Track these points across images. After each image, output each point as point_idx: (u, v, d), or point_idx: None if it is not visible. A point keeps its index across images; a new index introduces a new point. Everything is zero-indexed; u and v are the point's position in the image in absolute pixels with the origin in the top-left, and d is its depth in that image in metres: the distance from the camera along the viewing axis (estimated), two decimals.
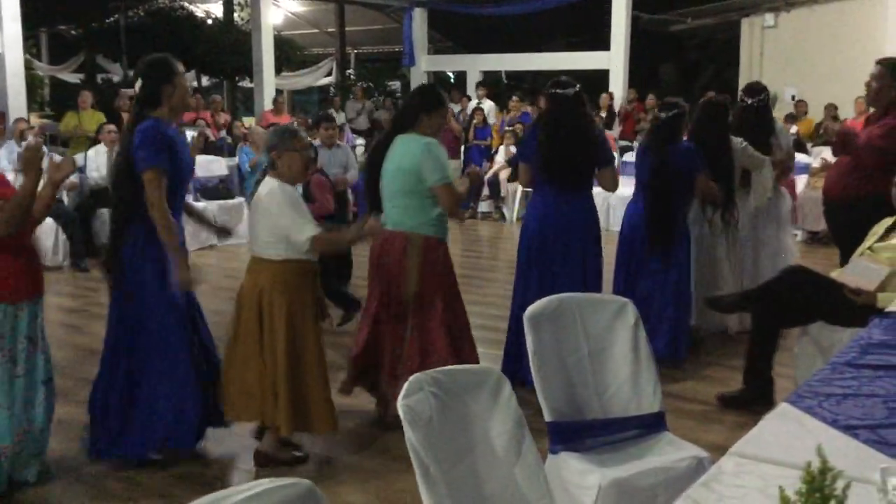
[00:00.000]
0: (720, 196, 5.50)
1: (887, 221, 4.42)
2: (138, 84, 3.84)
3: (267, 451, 3.98)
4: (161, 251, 3.79)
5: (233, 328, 3.94)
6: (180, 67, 3.94)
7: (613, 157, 5.24)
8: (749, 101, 5.99)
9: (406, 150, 4.15)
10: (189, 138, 5.96)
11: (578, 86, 4.82)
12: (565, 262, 4.86)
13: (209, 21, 18.52)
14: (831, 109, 12.03)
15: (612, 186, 5.04)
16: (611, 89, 14.23)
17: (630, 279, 5.37)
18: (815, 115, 12.60)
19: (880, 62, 5.26)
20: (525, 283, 4.96)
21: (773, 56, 15.99)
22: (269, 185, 3.86)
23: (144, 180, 3.70)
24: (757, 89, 6.03)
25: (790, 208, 6.73)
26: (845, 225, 5.03)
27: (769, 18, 15.98)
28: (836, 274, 4.44)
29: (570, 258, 4.86)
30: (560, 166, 4.83)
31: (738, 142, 5.67)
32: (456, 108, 14.44)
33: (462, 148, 12.79)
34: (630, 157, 11.88)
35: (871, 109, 5.40)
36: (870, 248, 4.38)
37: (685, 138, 5.48)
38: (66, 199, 8.84)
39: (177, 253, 3.78)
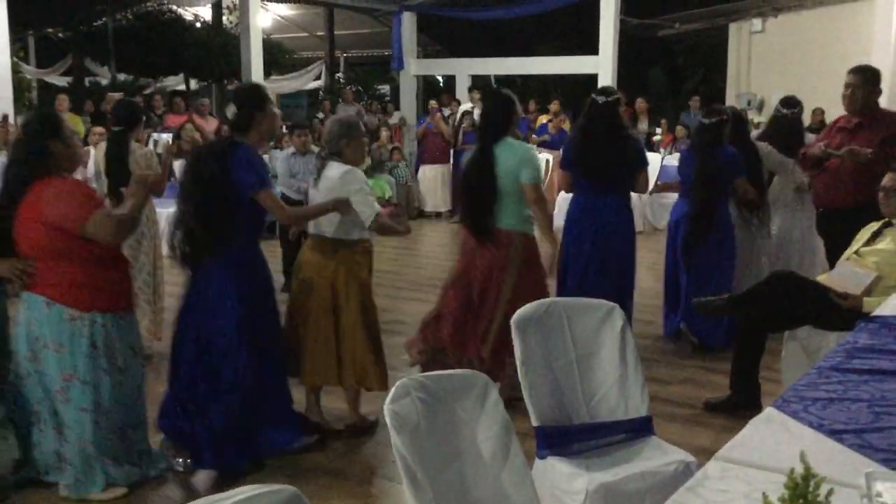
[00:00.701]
0: (756, 198, 5.92)
1: (873, 226, 4.45)
2: (232, 110, 4.06)
3: (356, 422, 4.38)
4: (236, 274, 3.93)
5: (302, 303, 4.25)
6: (271, 95, 4.10)
7: (647, 161, 5.63)
8: (784, 112, 6.42)
9: (510, 154, 4.55)
10: (162, 143, 6.00)
11: (619, 94, 5.34)
12: (601, 260, 5.26)
13: (198, 24, 18.48)
14: (818, 113, 12.10)
15: (644, 188, 5.51)
16: None
17: (679, 274, 5.88)
18: (803, 118, 12.64)
19: (854, 70, 5.32)
20: (565, 282, 5.34)
21: (760, 61, 16.06)
22: (339, 168, 4.18)
23: (262, 199, 3.86)
24: (792, 102, 6.45)
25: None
26: (841, 233, 4.92)
27: (756, 24, 16.06)
28: (822, 278, 4.46)
29: (604, 257, 5.26)
30: (596, 168, 5.17)
31: (763, 146, 6.16)
32: (445, 111, 14.43)
33: (451, 152, 12.75)
34: None
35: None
36: (856, 252, 4.41)
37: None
38: None
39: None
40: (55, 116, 3.91)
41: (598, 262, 5.25)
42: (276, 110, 4.11)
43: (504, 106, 4.68)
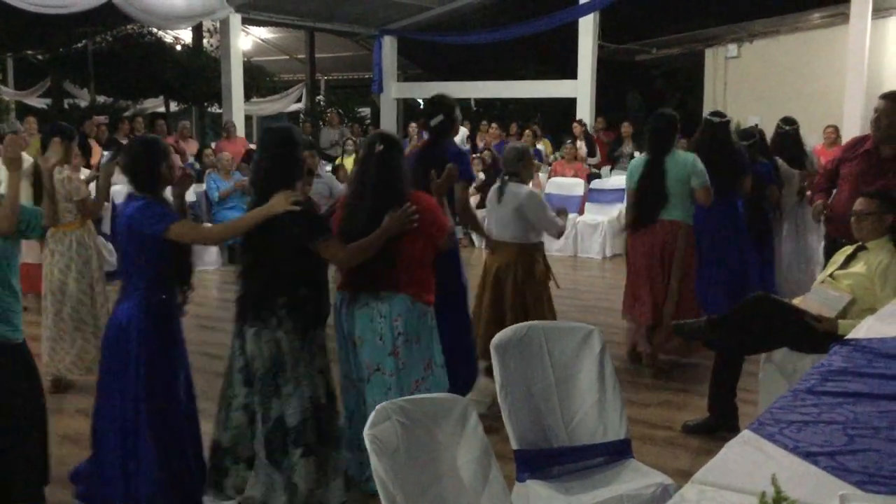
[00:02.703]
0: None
1: (847, 250, 4.51)
2: (438, 119, 4.79)
3: None
4: None
5: (481, 291, 5.23)
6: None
7: (749, 168, 6.55)
8: (787, 129, 7.61)
9: (679, 164, 5.66)
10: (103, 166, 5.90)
11: (728, 116, 6.63)
12: (713, 258, 6.34)
13: (178, 47, 18.47)
14: (832, 132, 12.24)
15: (748, 191, 6.56)
16: (578, 117, 14.38)
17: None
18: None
19: (885, 97, 5.13)
20: (698, 282, 6.06)
21: (736, 85, 16.26)
22: (521, 188, 5.14)
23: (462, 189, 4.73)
24: (791, 120, 7.64)
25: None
26: None
27: (732, 49, 16.28)
28: (798, 301, 4.52)
29: (713, 255, 6.35)
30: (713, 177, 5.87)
31: (777, 160, 7.17)
32: (426, 134, 14.48)
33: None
34: (598, 184, 11.99)
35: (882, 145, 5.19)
36: (831, 275, 4.47)
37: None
38: None
39: None
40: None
41: (712, 261, 6.36)
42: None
43: (671, 124, 5.79)
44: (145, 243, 3.49)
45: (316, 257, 3.55)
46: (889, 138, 5.07)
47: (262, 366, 3.51)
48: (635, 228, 5.83)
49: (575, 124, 13.63)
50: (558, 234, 5.42)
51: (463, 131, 14.13)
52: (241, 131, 13.37)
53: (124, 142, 11.44)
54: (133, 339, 3.49)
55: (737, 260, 6.48)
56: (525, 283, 5.08)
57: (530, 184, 5.42)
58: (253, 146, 12.11)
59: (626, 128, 13.24)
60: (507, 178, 5.18)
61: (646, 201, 5.75)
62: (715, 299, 6.11)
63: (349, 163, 12.76)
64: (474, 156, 12.45)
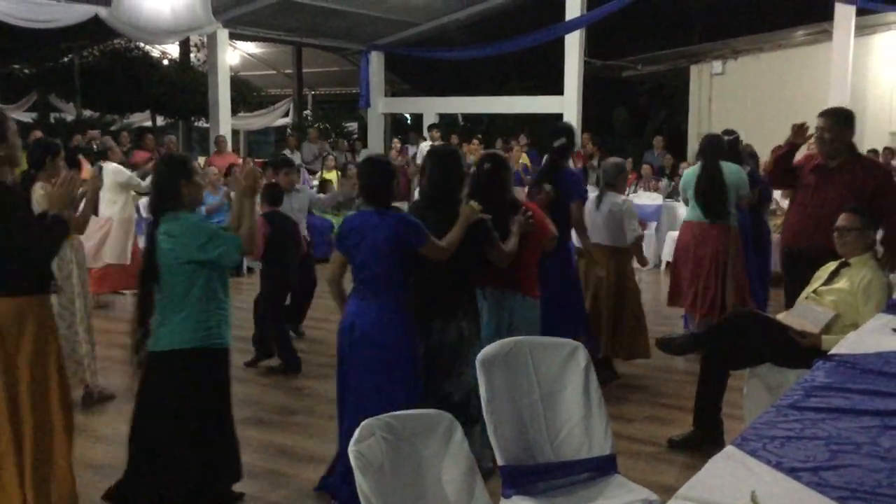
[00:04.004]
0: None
1: (831, 266, 4.54)
2: (561, 142, 5.50)
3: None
4: None
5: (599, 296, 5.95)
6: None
7: (757, 181, 7.06)
8: (728, 139, 7.36)
9: (729, 173, 6.34)
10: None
11: (736, 133, 7.26)
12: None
13: (165, 62, 18.47)
14: (773, 153, 12.35)
15: (747, 204, 6.90)
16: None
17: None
18: (762, 158, 12.91)
19: (825, 114, 5.29)
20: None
21: (721, 101, 16.40)
22: (618, 197, 6.03)
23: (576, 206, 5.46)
24: (730, 131, 7.48)
25: None
26: (803, 274, 4.88)
27: (717, 66, 16.43)
28: (782, 316, 4.53)
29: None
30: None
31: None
32: (413, 149, 14.53)
33: (417, 189, 12.80)
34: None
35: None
36: (814, 291, 4.50)
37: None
38: None
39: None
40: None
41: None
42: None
43: (720, 140, 6.60)
44: (405, 253, 3.91)
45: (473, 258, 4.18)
46: (833, 151, 5.25)
47: (447, 352, 4.09)
48: (696, 232, 6.46)
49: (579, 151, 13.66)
50: (638, 240, 6.09)
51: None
52: (227, 146, 13.36)
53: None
54: (396, 336, 3.88)
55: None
56: (618, 281, 5.96)
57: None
58: (240, 161, 12.10)
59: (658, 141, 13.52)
60: (605, 188, 6.04)
61: (709, 207, 6.36)
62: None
63: (332, 176, 12.81)
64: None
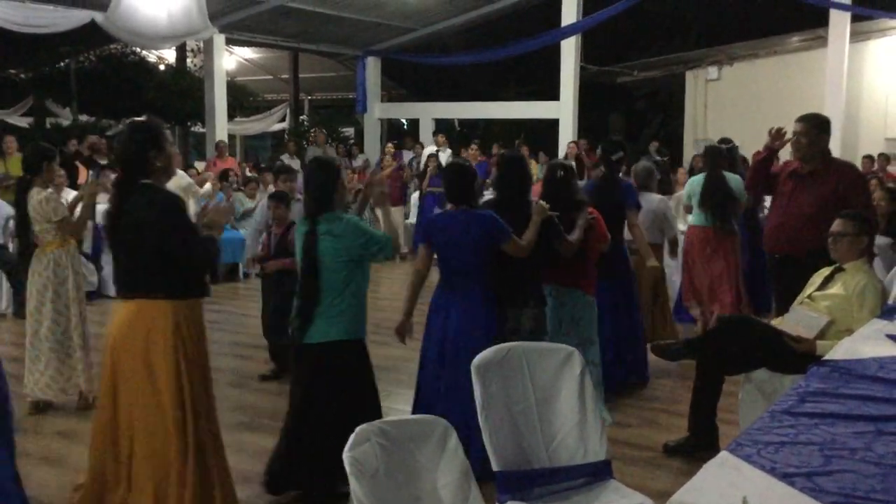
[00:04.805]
0: None
1: (825, 271, 4.55)
2: (619, 155, 5.87)
3: None
4: None
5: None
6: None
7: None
8: (722, 147, 7.74)
9: (733, 181, 6.93)
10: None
11: (734, 142, 7.86)
12: None
13: (161, 67, 18.47)
14: (753, 158, 12.40)
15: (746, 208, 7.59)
16: (561, 137, 14.48)
17: None
18: None
19: (802, 119, 5.32)
20: None
21: (716, 107, 16.45)
22: (654, 196, 6.52)
23: (632, 213, 5.78)
24: (727, 140, 7.94)
25: None
26: (795, 279, 4.89)
27: (712, 72, 16.48)
28: (777, 322, 4.54)
29: None
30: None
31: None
32: (409, 154, 14.53)
33: (417, 194, 12.76)
34: None
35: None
36: (809, 296, 4.50)
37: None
38: (10, 245, 8.67)
39: None
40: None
41: None
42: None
43: (722, 150, 7.22)
44: (490, 249, 4.33)
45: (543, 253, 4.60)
46: (809, 156, 5.29)
47: (521, 338, 4.29)
48: (702, 237, 6.95)
49: (570, 144, 13.70)
50: (674, 237, 6.73)
51: (448, 152, 14.16)
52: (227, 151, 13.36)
53: (103, 162, 11.40)
54: (482, 325, 4.29)
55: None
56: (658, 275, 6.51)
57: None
58: (236, 166, 12.11)
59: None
60: (640, 190, 6.35)
61: (716, 213, 6.87)
62: None
63: None
64: None
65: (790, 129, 5.39)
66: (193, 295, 3.57)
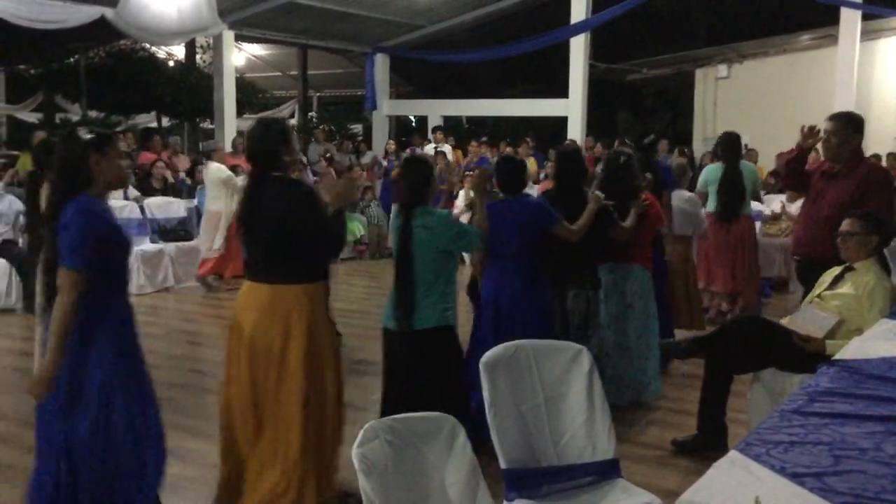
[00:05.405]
0: None
1: (835, 271, 4.54)
2: (650, 138, 6.90)
3: None
4: None
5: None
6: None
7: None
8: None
9: (748, 170, 7.71)
10: None
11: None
12: None
13: (171, 63, 18.49)
14: (783, 157, 12.34)
15: None
16: (570, 135, 14.45)
17: None
18: (767, 162, 12.91)
19: (833, 118, 5.24)
20: None
21: (726, 105, 16.40)
22: (684, 193, 6.89)
23: (666, 194, 6.42)
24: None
25: None
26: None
27: (722, 69, 16.42)
28: (786, 321, 4.53)
29: None
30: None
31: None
32: (418, 151, 14.51)
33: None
34: None
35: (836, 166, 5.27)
36: (818, 296, 4.49)
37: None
38: (20, 241, 8.71)
39: None
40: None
41: None
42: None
43: (738, 139, 7.83)
44: (541, 233, 4.69)
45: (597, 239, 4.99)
46: (838, 157, 5.20)
47: (579, 317, 4.96)
48: (722, 222, 7.56)
49: (569, 142, 13.69)
50: (704, 233, 7.23)
51: (448, 149, 14.14)
52: (228, 147, 13.34)
53: None
54: (534, 304, 4.64)
55: None
56: (686, 266, 6.91)
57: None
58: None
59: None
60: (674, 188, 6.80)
61: (732, 200, 7.50)
62: None
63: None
64: (467, 173, 12.45)
65: (801, 125, 5.35)
66: (322, 278, 3.80)
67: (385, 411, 4.21)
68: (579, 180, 5.19)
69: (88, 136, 3.33)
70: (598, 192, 4.97)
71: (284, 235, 3.62)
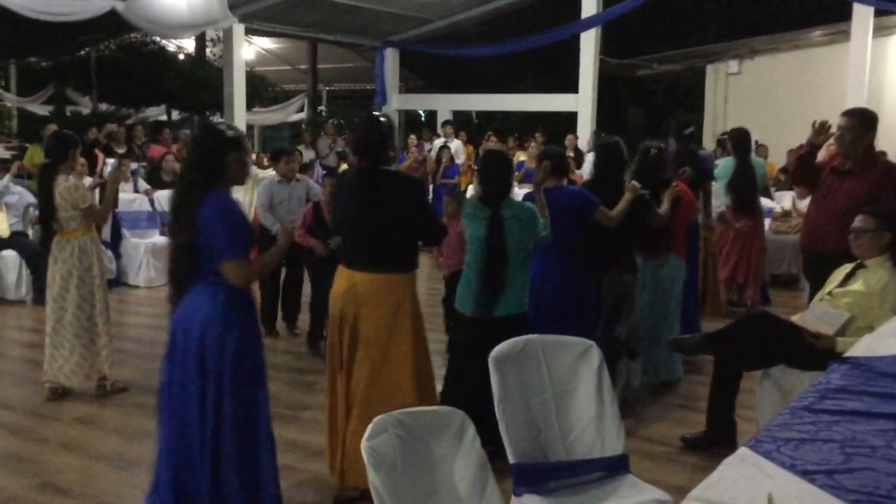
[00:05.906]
0: None
1: (846, 268, 4.51)
2: (690, 129, 7.25)
3: None
4: None
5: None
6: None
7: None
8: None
9: (758, 165, 8.12)
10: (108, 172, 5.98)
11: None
12: None
13: (181, 56, 18.51)
14: (793, 153, 12.29)
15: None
16: (579, 131, 14.41)
17: None
18: (778, 159, 12.86)
19: (847, 113, 5.20)
20: None
21: (736, 101, 16.32)
22: (708, 184, 7.06)
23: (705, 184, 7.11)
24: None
25: None
26: (826, 280, 4.74)
27: (733, 65, 16.34)
28: (796, 318, 4.50)
29: None
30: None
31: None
32: (427, 146, 14.52)
33: (430, 187, 12.76)
34: None
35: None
36: (829, 293, 4.47)
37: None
38: (30, 233, 8.74)
39: None
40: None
41: None
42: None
43: (748, 134, 8.11)
44: (580, 219, 4.91)
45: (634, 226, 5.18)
46: (851, 153, 5.17)
47: (614, 300, 5.16)
48: (738, 214, 7.80)
49: (570, 137, 13.67)
50: (723, 214, 7.56)
51: (457, 143, 14.13)
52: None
53: (121, 151, 11.47)
54: (575, 287, 4.92)
55: None
56: (707, 255, 7.30)
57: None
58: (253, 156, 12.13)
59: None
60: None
61: (746, 193, 7.82)
62: None
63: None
64: (476, 167, 12.43)
65: (811, 121, 5.31)
66: (415, 267, 4.04)
67: (447, 395, 4.40)
68: (619, 172, 5.39)
69: (228, 131, 3.39)
70: (634, 182, 5.19)
71: (401, 226, 3.85)
